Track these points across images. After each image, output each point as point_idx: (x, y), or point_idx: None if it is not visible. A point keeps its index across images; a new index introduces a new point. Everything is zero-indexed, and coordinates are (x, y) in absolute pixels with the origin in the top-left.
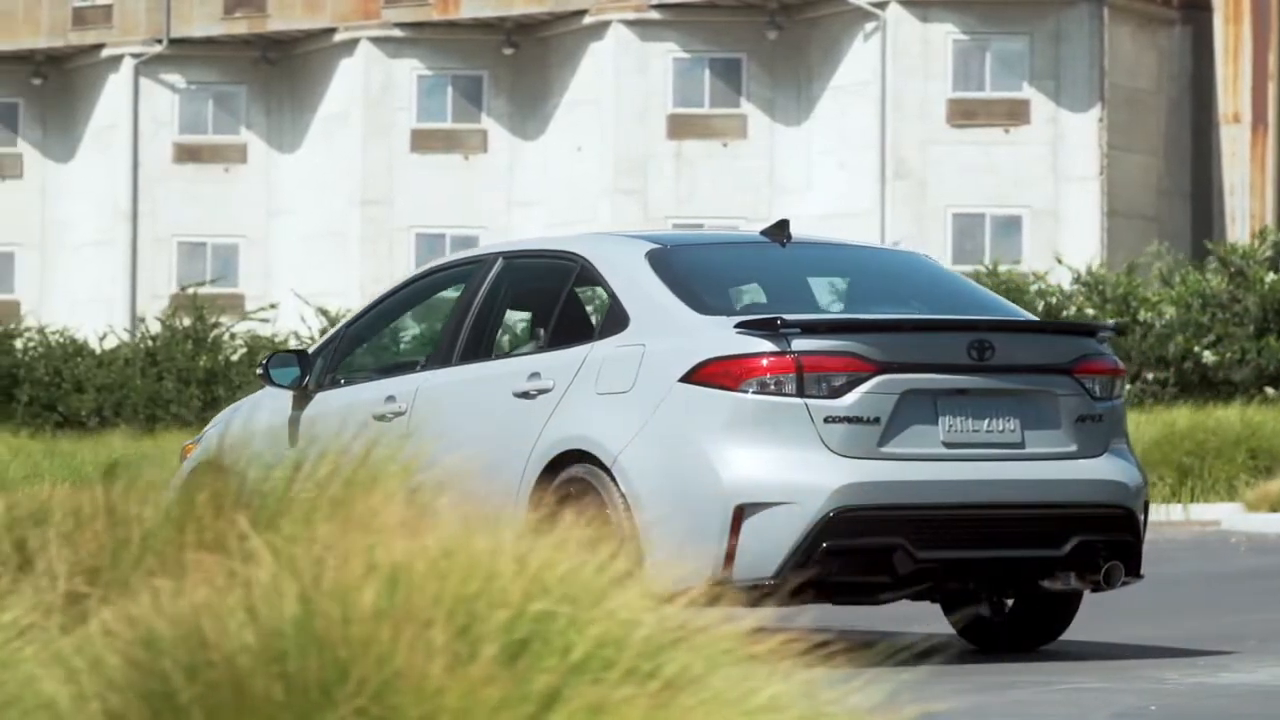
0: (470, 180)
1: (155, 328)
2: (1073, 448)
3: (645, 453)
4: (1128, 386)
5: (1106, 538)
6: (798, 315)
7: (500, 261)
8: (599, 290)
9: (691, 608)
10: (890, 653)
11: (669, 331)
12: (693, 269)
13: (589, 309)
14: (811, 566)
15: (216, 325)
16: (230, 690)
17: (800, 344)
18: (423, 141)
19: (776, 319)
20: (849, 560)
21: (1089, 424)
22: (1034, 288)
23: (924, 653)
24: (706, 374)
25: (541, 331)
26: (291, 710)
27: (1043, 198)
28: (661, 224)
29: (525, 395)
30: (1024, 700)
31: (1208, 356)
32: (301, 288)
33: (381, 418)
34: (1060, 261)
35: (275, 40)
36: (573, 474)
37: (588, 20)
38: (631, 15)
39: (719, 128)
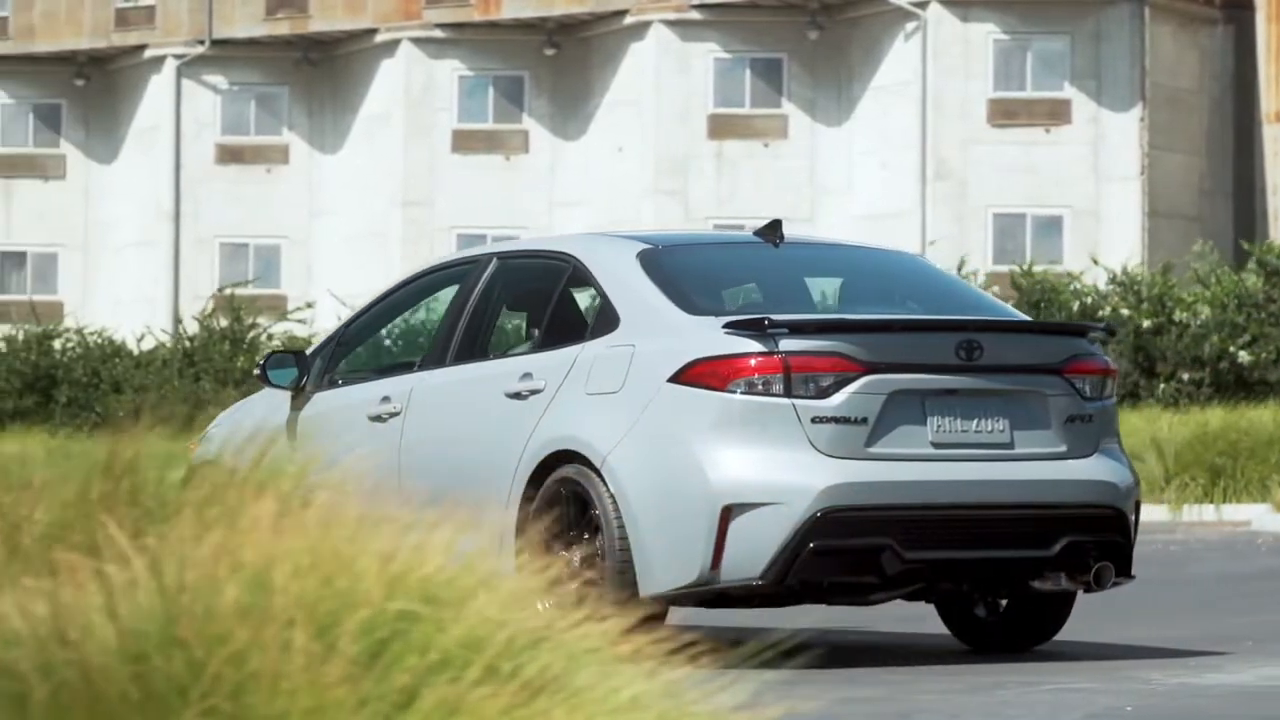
0: (511, 181)
1: (194, 328)
2: (1062, 448)
3: (634, 453)
4: (1162, 386)
5: (1096, 538)
6: (785, 315)
7: (495, 262)
8: (591, 291)
9: (560, 607)
10: (756, 652)
11: (658, 332)
12: (683, 269)
13: (581, 309)
14: (799, 567)
15: (254, 326)
16: (83, 689)
17: (787, 344)
18: (464, 142)
19: (764, 319)
20: (836, 561)
21: (1079, 424)
22: (1070, 288)
23: (790, 651)
24: (694, 374)
25: (535, 332)
26: (145, 710)
27: (1084, 198)
28: (702, 224)
29: (517, 396)
30: (1008, 700)
31: (1243, 356)
32: (343, 288)
33: (377, 418)
34: (1096, 262)
35: (317, 41)
36: (563, 474)
37: (628, 20)
38: (672, 15)
39: (760, 128)
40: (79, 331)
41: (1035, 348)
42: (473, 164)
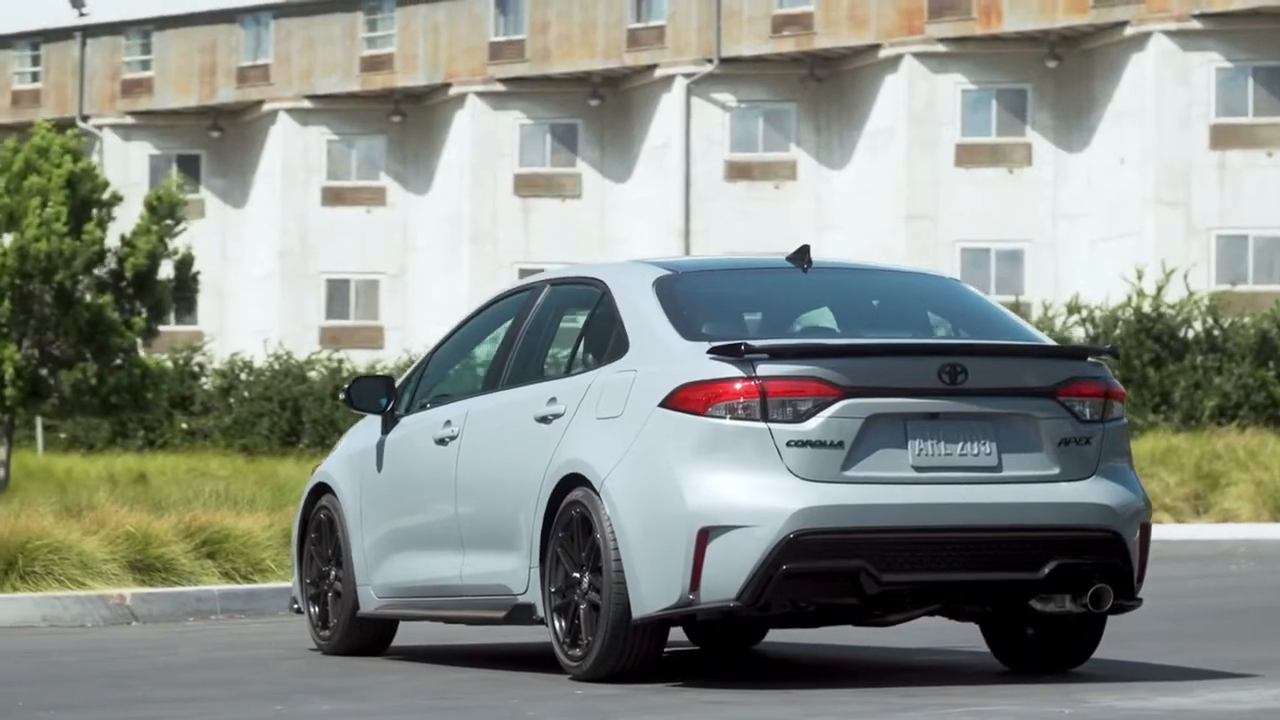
0: (1015, 193)
1: None
2: (1055, 470)
3: (627, 476)
4: None
5: (1090, 561)
6: (764, 341)
7: (547, 289)
8: (612, 317)
9: None
10: None
11: (658, 358)
12: (694, 296)
13: (603, 335)
14: (773, 589)
15: None
16: None
17: (765, 369)
18: (967, 156)
19: (741, 345)
20: (811, 583)
21: (1075, 447)
22: None
23: None
24: (679, 399)
25: (578, 356)
26: None
27: None
28: (1204, 235)
29: (544, 420)
30: None
31: None
32: None
33: (440, 441)
34: None
35: (822, 57)
36: (574, 497)
37: (1129, 31)
38: (1173, 25)
39: (1264, 137)
40: None
41: (1026, 371)
42: (976, 178)
